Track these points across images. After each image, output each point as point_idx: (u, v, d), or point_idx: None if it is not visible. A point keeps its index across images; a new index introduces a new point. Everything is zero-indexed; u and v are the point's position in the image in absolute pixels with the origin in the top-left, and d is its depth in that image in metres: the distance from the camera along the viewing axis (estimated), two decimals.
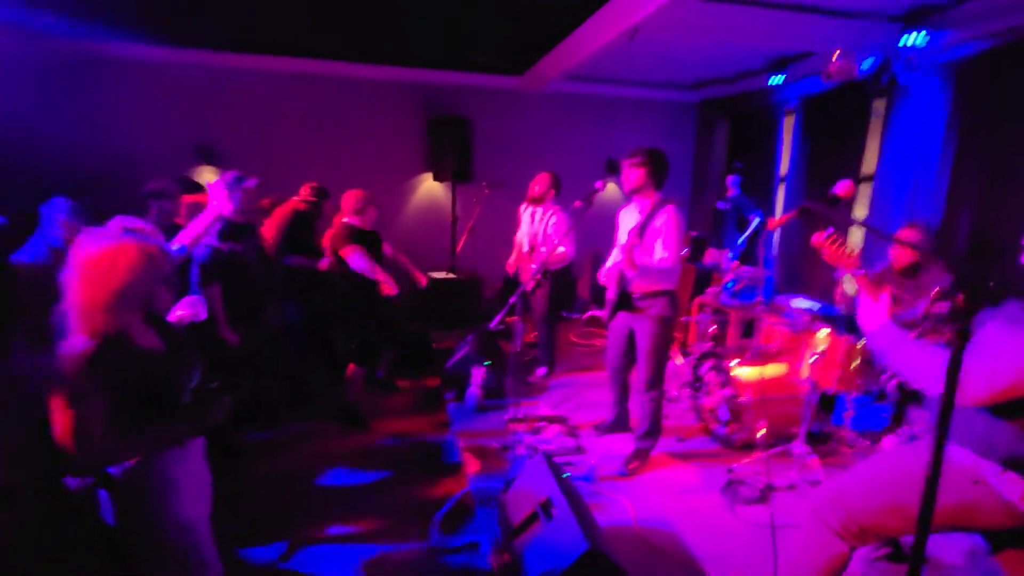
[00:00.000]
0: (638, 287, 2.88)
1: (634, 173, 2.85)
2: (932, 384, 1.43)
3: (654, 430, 3.09)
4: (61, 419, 1.30)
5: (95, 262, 1.36)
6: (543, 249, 3.99)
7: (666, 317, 2.90)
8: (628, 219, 3.00)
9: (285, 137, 5.62)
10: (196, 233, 2.47)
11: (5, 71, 4.71)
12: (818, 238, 2.02)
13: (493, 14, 4.08)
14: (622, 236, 2.99)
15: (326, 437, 3.39)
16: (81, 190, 4.38)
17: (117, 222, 2.08)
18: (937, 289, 0.72)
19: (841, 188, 1.39)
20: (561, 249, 3.93)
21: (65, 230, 2.56)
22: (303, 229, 3.96)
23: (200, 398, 1.59)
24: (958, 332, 0.74)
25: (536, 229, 4.12)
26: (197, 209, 3.11)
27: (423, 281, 3.87)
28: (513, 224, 4.48)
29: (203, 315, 1.97)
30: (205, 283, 2.82)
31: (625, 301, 2.92)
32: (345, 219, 3.48)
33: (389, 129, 5.90)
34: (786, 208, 5.38)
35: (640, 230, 2.82)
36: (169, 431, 1.48)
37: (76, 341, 1.33)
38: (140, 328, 1.47)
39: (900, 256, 2.96)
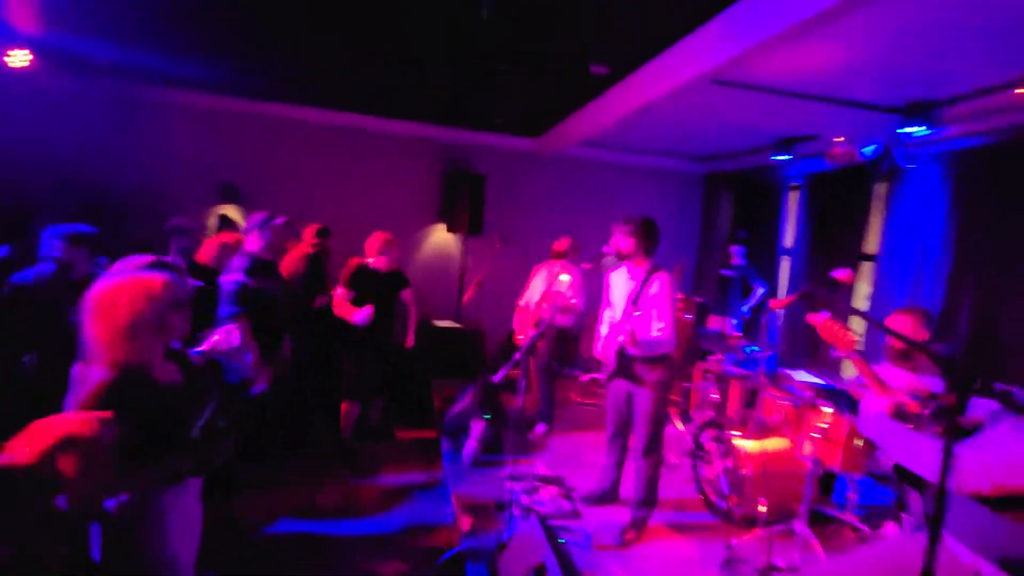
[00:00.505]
0: (637, 353, 2.91)
1: (625, 241, 2.93)
2: (924, 472, 1.45)
3: (650, 499, 3.03)
4: (71, 451, 1.32)
5: (101, 299, 1.43)
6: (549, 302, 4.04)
7: (664, 382, 2.93)
8: (619, 282, 3.07)
9: (307, 182, 5.85)
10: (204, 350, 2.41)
11: (54, 104, 4.99)
12: (814, 318, 2.08)
13: (515, 80, 4.34)
14: (615, 298, 3.07)
15: (315, 483, 3.33)
16: (108, 221, 4.56)
17: (130, 262, 2.17)
18: (930, 392, 0.75)
19: (841, 274, 1.46)
20: (573, 300, 3.99)
21: (64, 254, 2.64)
22: (318, 271, 4.08)
23: (208, 435, 1.59)
24: (947, 429, 0.77)
25: (549, 286, 4.17)
26: (227, 249, 3.21)
27: (408, 343, 3.88)
28: (520, 280, 4.56)
29: (236, 342, 2.02)
30: (234, 317, 2.87)
31: (624, 368, 2.96)
32: (366, 260, 3.61)
33: (407, 180, 6.13)
34: (790, 280, 5.46)
35: (635, 298, 2.89)
36: (174, 466, 1.48)
37: (95, 371, 1.38)
38: (160, 361, 1.51)
39: (894, 339, 2.99)
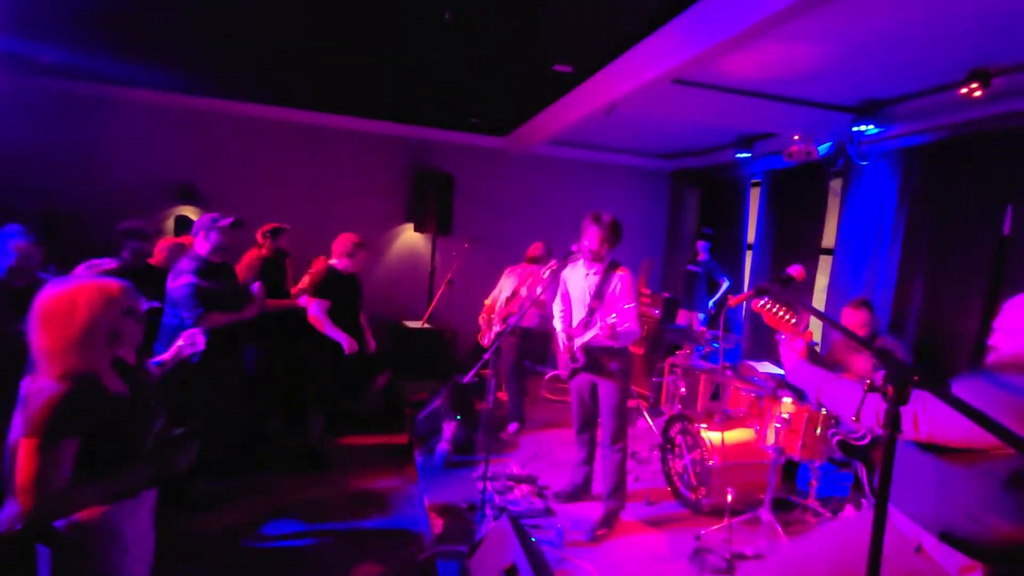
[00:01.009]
0: (600, 345, 2.94)
1: (596, 236, 2.93)
2: (845, 414, 1.58)
3: (620, 487, 3.09)
4: (25, 464, 1.25)
5: (55, 305, 1.36)
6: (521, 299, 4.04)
7: (626, 372, 3.04)
8: (577, 278, 3.09)
9: (271, 182, 5.70)
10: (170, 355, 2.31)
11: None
12: (757, 304, 2.15)
13: (482, 82, 4.33)
14: (574, 294, 3.10)
15: (280, 491, 3.26)
16: (61, 225, 4.35)
17: (83, 267, 2.09)
18: (868, 381, 0.79)
19: (795, 270, 1.51)
20: (542, 298, 3.98)
21: (17, 255, 2.51)
22: (273, 273, 3.95)
23: (163, 444, 1.54)
24: (888, 421, 0.81)
25: (519, 286, 4.17)
26: (179, 250, 3.11)
27: (370, 347, 3.74)
28: (491, 279, 4.55)
29: (201, 346, 1.98)
30: (199, 318, 2.79)
31: (590, 361, 3.00)
32: (331, 261, 3.51)
33: (374, 179, 6.04)
34: (753, 275, 5.61)
35: (597, 293, 2.97)
36: (128, 480, 1.42)
37: (45, 384, 1.32)
38: (108, 372, 1.45)
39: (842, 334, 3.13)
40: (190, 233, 3.98)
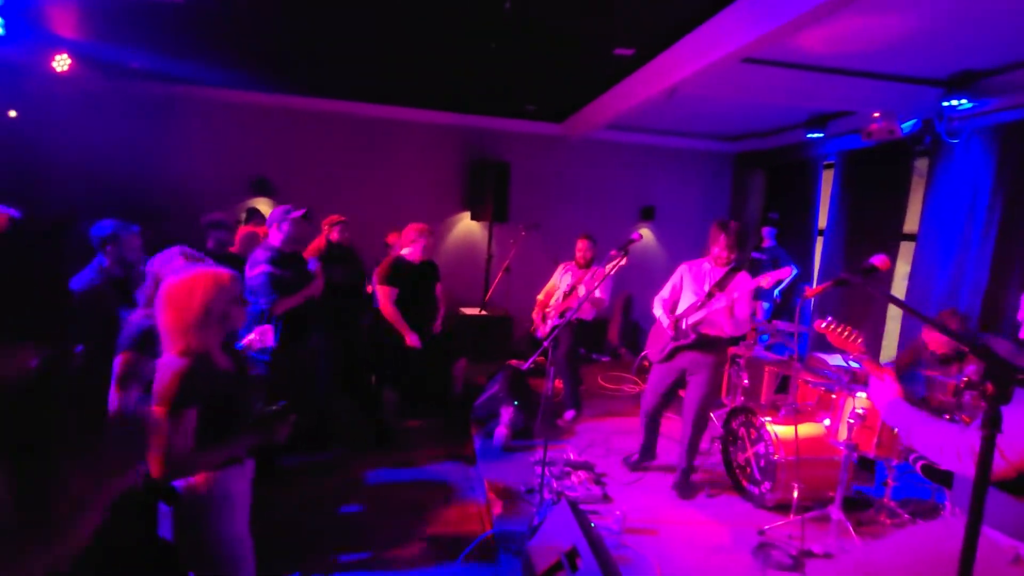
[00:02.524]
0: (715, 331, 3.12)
1: (724, 241, 3.06)
2: (937, 457, 1.49)
3: (696, 449, 3.27)
4: (156, 430, 1.44)
5: (177, 290, 1.55)
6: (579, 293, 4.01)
7: (721, 366, 3.24)
8: (698, 273, 3.25)
9: (334, 173, 5.95)
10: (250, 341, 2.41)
11: (87, 104, 5.18)
12: (819, 325, 2.11)
13: (539, 68, 4.30)
14: (692, 287, 3.23)
15: (350, 468, 3.45)
16: (148, 217, 4.73)
17: (176, 250, 2.29)
18: (966, 379, 0.74)
19: (878, 260, 1.43)
20: (598, 294, 3.96)
21: (113, 252, 2.73)
22: (335, 263, 4.10)
23: (264, 417, 1.72)
24: (988, 420, 0.76)
25: (577, 283, 4.13)
26: (253, 239, 3.32)
27: (436, 328, 3.95)
28: (548, 266, 4.56)
29: (270, 343, 2.14)
30: (272, 305, 2.98)
31: (699, 342, 3.14)
32: (401, 251, 3.67)
33: (431, 169, 6.17)
34: (824, 263, 5.31)
35: (720, 283, 3.12)
36: (237, 446, 1.60)
37: (170, 359, 1.51)
38: (219, 351, 1.62)
39: (936, 342, 2.91)
40: (263, 223, 4.23)
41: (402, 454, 3.66)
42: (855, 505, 3.14)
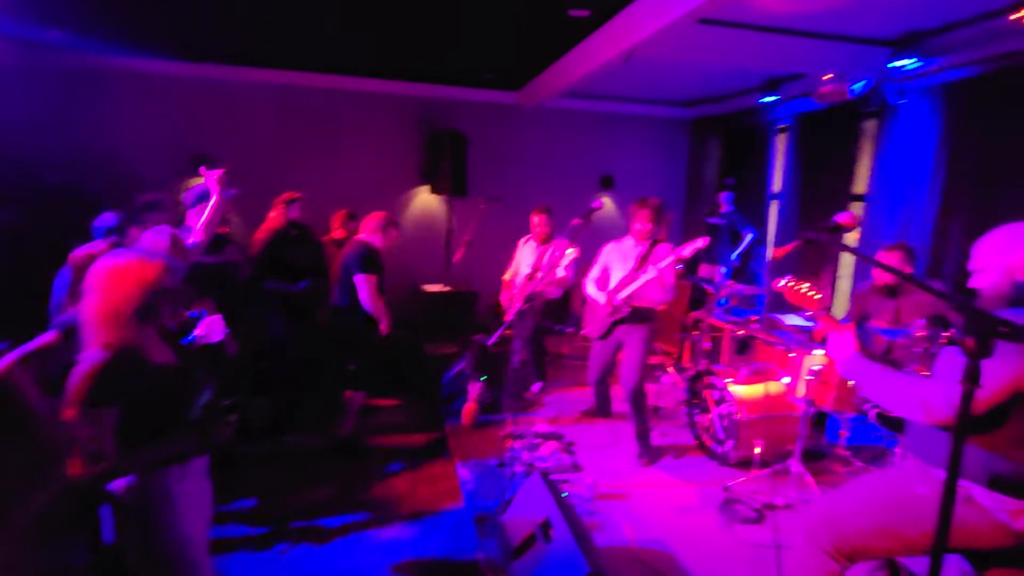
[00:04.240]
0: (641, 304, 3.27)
1: (645, 216, 3.24)
2: (899, 410, 1.54)
3: (644, 421, 3.37)
4: (70, 428, 1.33)
5: (109, 277, 1.41)
6: (540, 275, 3.94)
7: (655, 331, 3.38)
8: (623, 251, 3.40)
9: (282, 148, 5.62)
10: (207, 223, 2.41)
11: (7, 82, 4.67)
12: (778, 283, 2.14)
13: (492, 31, 4.13)
14: (618, 264, 3.38)
15: (313, 452, 3.35)
16: (80, 201, 4.35)
17: (155, 232, 2.12)
18: (947, 335, 0.73)
19: (843, 218, 1.43)
20: (562, 273, 3.93)
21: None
22: (289, 246, 3.87)
23: (209, 414, 1.61)
24: (968, 375, 0.75)
25: (539, 261, 4.05)
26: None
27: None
28: (510, 238, 4.48)
29: (217, 336, 1.97)
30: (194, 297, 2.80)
31: (633, 315, 3.28)
32: (365, 238, 3.30)
33: (386, 142, 5.92)
34: (779, 226, 5.44)
35: (644, 259, 3.28)
36: (176, 447, 1.50)
37: (90, 354, 1.36)
38: (156, 343, 1.49)
39: (883, 274, 3.02)
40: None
41: (367, 435, 3.58)
42: (812, 457, 3.29)
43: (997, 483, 1.43)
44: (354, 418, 3.41)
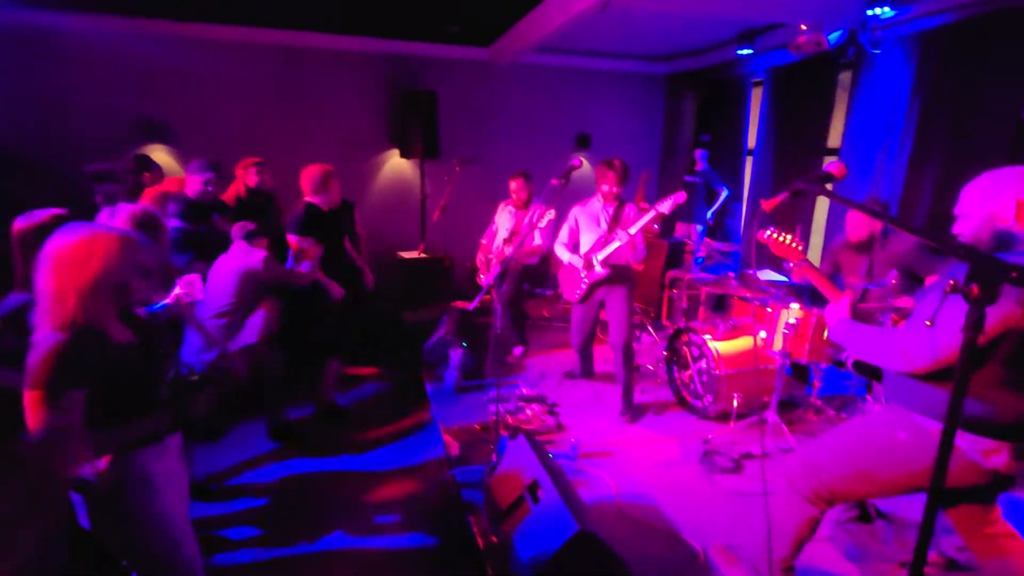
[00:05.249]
0: (617, 263, 3.28)
1: (613, 178, 3.21)
2: (883, 362, 1.59)
3: (631, 377, 3.43)
4: (34, 417, 1.24)
5: (69, 253, 1.31)
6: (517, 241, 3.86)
7: (634, 285, 3.41)
8: (591, 213, 3.36)
9: (241, 111, 5.32)
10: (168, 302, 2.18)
11: None
12: (763, 235, 2.15)
13: None
14: (588, 226, 3.36)
15: (298, 425, 3.31)
16: (21, 171, 4.06)
17: (125, 209, 1.99)
18: (952, 282, 0.72)
19: (833, 167, 1.41)
20: (538, 241, 3.88)
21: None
22: (256, 213, 3.70)
23: (179, 392, 1.57)
24: (970, 323, 0.74)
25: (517, 226, 3.98)
26: (164, 199, 2.92)
27: (368, 282, 3.60)
28: (486, 201, 4.38)
29: (199, 295, 1.92)
30: (189, 264, 2.73)
31: (613, 275, 3.30)
32: (307, 199, 3.16)
33: (353, 103, 5.65)
34: (754, 182, 5.45)
35: (614, 220, 3.28)
36: (147, 427, 1.44)
37: (45, 335, 1.28)
38: (114, 322, 1.41)
39: (856, 231, 3.05)
40: (158, 172, 3.75)
41: (351, 405, 3.54)
42: (787, 407, 3.39)
43: (972, 424, 1.48)
44: (330, 385, 3.43)
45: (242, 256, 2.80)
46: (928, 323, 1.02)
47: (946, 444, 0.82)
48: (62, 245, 1.31)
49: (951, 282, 0.78)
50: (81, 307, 1.30)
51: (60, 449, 1.27)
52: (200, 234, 2.86)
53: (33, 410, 1.24)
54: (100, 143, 4.75)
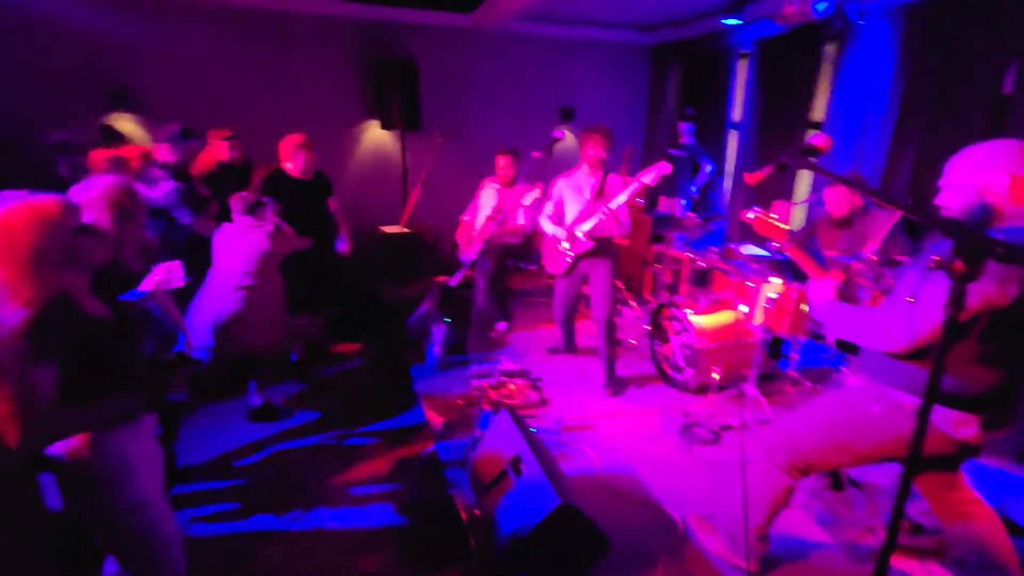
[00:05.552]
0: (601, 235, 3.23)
1: (600, 143, 3.11)
2: (865, 341, 1.61)
3: (613, 350, 3.46)
4: (5, 393, 1.20)
5: (2, 225, 1.23)
6: (500, 218, 3.81)
7: (617, 257, 3.40)
8: (576, 184, 3.29)
9: (213, 80, 5.09)
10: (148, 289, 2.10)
11: None
12: (746, 215, 2.15)
13: None
14: (573, 198, 3.29)
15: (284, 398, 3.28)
16: None
17: (98, 182, 1.89)
18: (936, 258, 0.71)
19: (818, 140, 1.39)
20: (521, 221, 3.84)
21: None
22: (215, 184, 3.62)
23: (154, 370, 1.54)
24: (953, 299, 0.74)
25: (501, 205, 3.92)
26: (120, 163, 2.81)
27: (345, 249, 3.69)
28: (468, 174, 4.30)
29: (178, 282, 1.86)
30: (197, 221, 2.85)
31: (597, 248, 3.26)
32: (280, 165, 3.37)
33: (331, 71, 5.45)
34: (739, 156, 5.43)
35: (599, 192, 3.20)
36: (120, 404, 1.40)
37: (10, 312, 1.22)
38: (86, 294, 1.37)
39: (837, 206, 3.07)
40: (123, 142, 3.61)
41: (332, 381, 3.52)
42: (765, 379, 3.46)
43: (944, 397, 1.51)
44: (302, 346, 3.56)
45: (251, 233, 2.78)
46: (910, 300, 1.01)
47: (923, 418, 0.83)
48: None
49: (935, 258, 0.77)
50: (35, 282, 1.24)
51: (33, 424, 1.23)
52: (198, 197, 2.85)
53: (5, 387, 1.20)
54: (63, 112, 4.52)
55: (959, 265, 0.72)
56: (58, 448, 1.35)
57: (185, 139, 3.07)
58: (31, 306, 1.23)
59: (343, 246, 3.68)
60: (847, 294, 2.35)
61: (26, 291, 1.23)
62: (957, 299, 0.73)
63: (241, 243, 2.77)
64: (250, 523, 2.33)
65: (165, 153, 3.02)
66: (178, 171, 3.03)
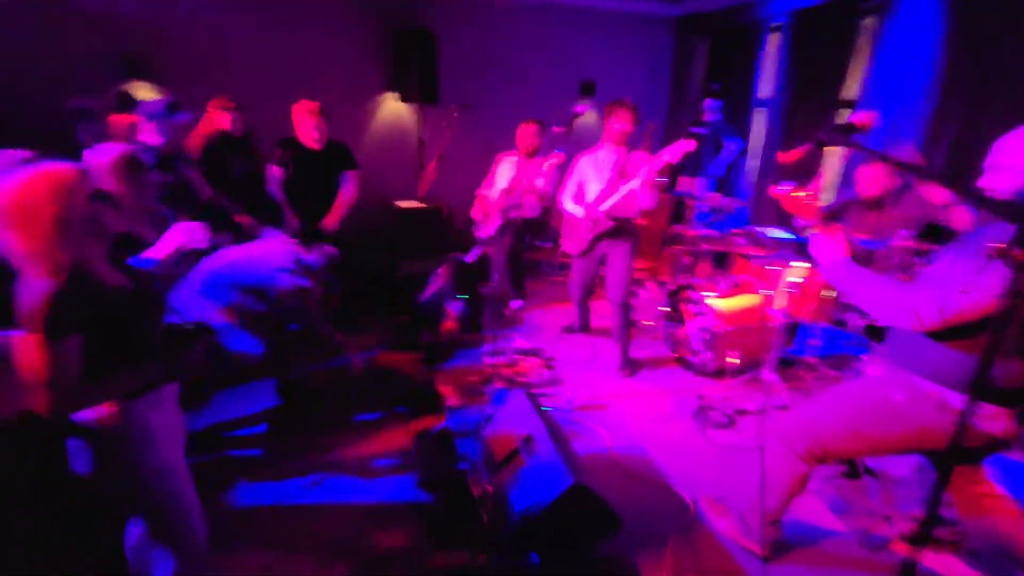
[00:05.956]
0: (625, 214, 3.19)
1: (627, 117, 3.04)
2: (886, 315, 1.53)
3: (627, 335, 3.43)
4: (33, 363, 1.22)
5: (13, 205, 1.22)
6: (518, 188, 3.75)
7: (636, 238, 3.31)
8: (598, 160, 3.23)
9: (228, 48, 5.04)
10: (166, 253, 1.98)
11: None
12: (775, 191, 2.05)
13: None
14: (594, 175, 3.23)
15: (299, 374, 3.32)
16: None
17: (107, 149, 1.87)
18: (996, 246, 0.66)
19: (859, 117, 1.31)
20: (540, 183, 3.74)
21: None
22: (224, 151, 3.54)
23: (174, 340, 1.54)
24: (1014, 289, 0.69)
25: (520, 173, 3.84)
26: (135, 130, 2.80)
27: (330, 223, 3.49)
28: (485, 149, 4.23)
29: (204, 242, 1.82)
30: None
31: (617, 228, 3.19)
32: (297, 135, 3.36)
33: (347, 41, 5.36)
34: (767, 135, 5.25)
35: (622, 170, 3.12)
36: (142, 373, 1.42)
37: (36, 283, 1.23)
38: (104, 264, 1.37)
39: (869, 186, 2.95)
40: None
41: (346, 354, 3.55)
42: (782, 365, 3.40)
43: (964, 388, 1.46)
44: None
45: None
46: (962, 292, 0.96)
47: (967, 413, 0.78)
48: (8, 191, 1.23)
49: (995, 246, 0.72)
50: (59, 252, 1.24)
51: (62, 393, 1.25)
52: (172, 186, 2.68)
53: (33, 354, 1.21)
54: (80, 78, 4.52)
55: (1018, 254, 0.67)
56: (87, 414, 1.37)
57: (171, 115, 2.73)
58: (55, 276, 1.23)
59: (327, 221, 3.44)
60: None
61: (50, 261, 1.24)
62: (1018, 289, 0.68)
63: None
64: (265, 491, 2.38)
65: (149, 134, 2.72)
66: (163, 156, 2.72)
